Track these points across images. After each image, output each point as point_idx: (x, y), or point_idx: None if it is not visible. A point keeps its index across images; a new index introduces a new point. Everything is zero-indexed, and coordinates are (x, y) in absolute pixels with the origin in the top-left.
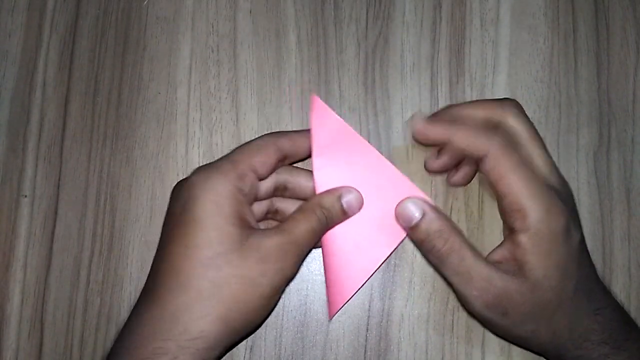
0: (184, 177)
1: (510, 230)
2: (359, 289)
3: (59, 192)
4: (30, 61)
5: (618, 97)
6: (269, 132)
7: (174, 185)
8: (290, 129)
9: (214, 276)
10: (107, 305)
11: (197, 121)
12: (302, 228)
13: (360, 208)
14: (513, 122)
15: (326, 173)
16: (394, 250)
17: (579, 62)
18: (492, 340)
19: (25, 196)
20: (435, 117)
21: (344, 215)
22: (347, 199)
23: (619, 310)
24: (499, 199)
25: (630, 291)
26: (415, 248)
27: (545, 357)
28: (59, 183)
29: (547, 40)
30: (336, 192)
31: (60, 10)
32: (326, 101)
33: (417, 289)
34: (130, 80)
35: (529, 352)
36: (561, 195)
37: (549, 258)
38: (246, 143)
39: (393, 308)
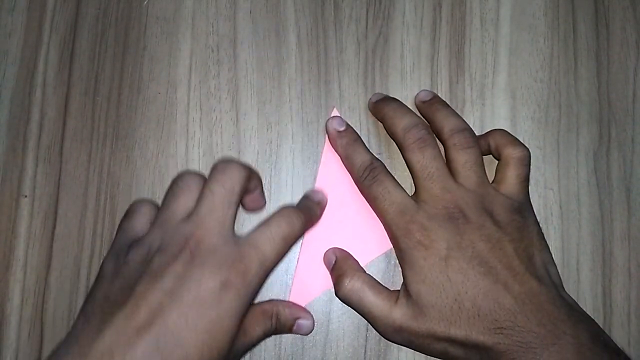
0: None
1: None
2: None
3: (59, 192)
4: (30, 61)
5: (618, 97)
6: (268, 132)
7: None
8: (290, 129)
9: None
10: None
11: (197, 121)
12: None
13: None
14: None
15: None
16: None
17: (579, 62)
18: None
19: (25, 196)
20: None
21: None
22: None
23: (534, 332)
24: None
25: (630, 291)
26: None
27: None
28: (59, 183)
29: (547, 40)
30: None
31: (60, 10)
32: (326, 101)
33: None
34: (130, 80)
35: None
36: (431, 209)
37: (414, 274)
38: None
39: None
